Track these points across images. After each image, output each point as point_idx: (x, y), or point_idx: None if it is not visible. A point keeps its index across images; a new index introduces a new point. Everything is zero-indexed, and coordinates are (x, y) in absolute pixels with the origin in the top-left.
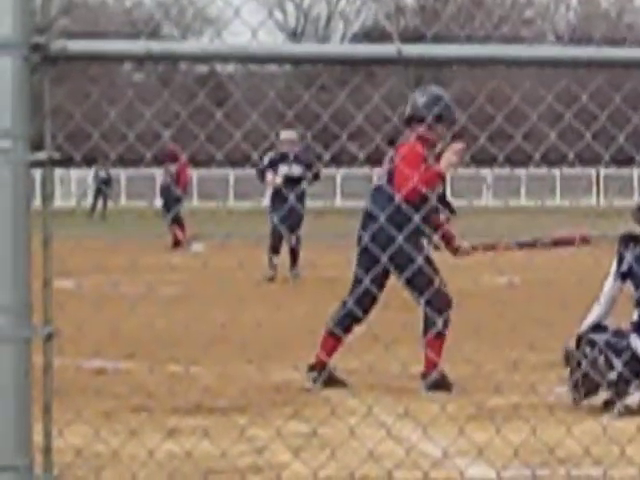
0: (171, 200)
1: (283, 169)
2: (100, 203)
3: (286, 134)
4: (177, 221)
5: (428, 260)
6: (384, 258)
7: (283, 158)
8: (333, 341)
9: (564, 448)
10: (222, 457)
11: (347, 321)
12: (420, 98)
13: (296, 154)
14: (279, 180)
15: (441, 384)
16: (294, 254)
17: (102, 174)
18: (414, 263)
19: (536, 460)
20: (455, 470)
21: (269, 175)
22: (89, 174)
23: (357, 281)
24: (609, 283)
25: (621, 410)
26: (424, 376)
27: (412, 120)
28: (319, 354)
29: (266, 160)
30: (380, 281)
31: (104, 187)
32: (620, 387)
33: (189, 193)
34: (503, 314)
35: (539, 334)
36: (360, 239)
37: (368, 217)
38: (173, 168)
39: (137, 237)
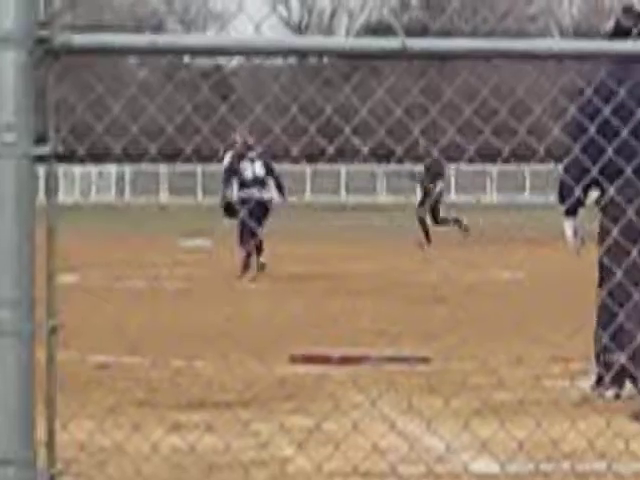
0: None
1: (247, 172)
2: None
3: (240, 133)
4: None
5: None
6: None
7: (242, 158)
8: None
9: (568, 443)
10: (226, 451)
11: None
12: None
13: (255, 155)
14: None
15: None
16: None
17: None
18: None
19: (540, 454)
20: (459, 465)
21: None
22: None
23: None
24: None
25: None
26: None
27: None
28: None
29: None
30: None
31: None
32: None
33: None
34: (507, 309)
35: (543, 328)
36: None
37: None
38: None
39: (141, 232)
